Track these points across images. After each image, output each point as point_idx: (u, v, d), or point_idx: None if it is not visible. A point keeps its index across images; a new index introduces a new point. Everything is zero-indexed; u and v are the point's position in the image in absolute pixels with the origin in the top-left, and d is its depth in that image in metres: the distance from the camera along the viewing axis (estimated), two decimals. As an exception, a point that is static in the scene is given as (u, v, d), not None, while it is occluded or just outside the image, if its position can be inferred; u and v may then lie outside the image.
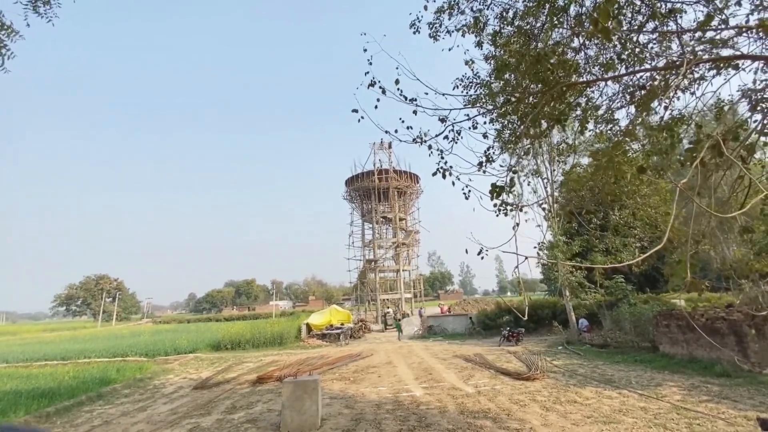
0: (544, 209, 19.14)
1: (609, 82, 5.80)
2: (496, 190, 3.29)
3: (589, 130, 6.79)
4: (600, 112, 5.85)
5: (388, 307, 38.23)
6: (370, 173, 43.73)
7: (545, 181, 19.61)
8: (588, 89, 5.79)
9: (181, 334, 30.38)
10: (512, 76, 5.54)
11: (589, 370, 11.79)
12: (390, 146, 43.95)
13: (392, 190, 43.04)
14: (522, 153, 6.10)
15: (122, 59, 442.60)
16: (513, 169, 3.80)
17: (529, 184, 19.84)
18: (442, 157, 3.76)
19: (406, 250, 44.94)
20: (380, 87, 3.91)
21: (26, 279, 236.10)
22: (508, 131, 5.78)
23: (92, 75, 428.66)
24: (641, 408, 7.72)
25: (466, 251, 3.26)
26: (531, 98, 4.94)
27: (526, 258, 3.21)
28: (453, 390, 10.04)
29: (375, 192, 42.81)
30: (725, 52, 4.28)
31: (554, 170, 19.08)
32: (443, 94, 3.76)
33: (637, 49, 5.21)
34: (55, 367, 17.39)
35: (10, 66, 4.21)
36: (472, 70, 5.47)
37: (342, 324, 26.89)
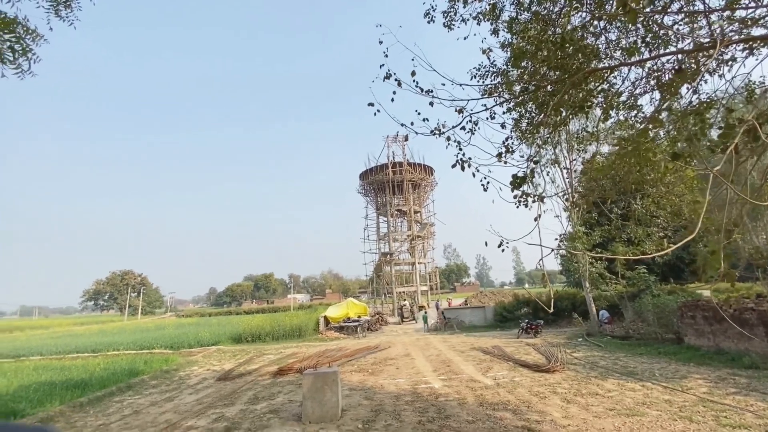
0: (565, 199, 18.76)
1: (633, 67, 5.61)
2: (517, 181, 3.22)
3: (612, 118, 6.58)
4: (622, 98, 5.65)
5: (405, 300, 38.35)
6: (383, 166, 43.70)
7: (564, 170, 19.20)
8: (610, 75, 5.60)
9: (204, 327, 31.25)
10: (530, 63, 5.40)
11: (610, 362, 11.60)
12: (406, 138, 43.69)
13: (406, 183, 42.92)
14: (541, 142, 5.96)
15: (140, 61, 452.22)
16: (533, 159, 3.72)
17: (548, 174, 19.43)
18: (460, 149, 3.71)
19: (421, 243, 44.89)
20: (396, 79, 3.87)
21: (57, 275, 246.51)
22: (526, 120, 5.66)
23: (118, 77, 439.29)
24: (666, 401, 7.56)
25: (486, 243, 3.21)
26: (549, 86, 4.81)
27: (552, 250, 3.16)
28: (472, 382, 10.04)
29: (389, 185, 42.79)
30: (757, 32, 4.06)
31: (573, 159, 18.63)
32: (460, 85, 3.70)
33: (662, 31, 5.00)
34: (86, 359, 18.17)
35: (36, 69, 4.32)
36: (489, 58, 5.36)
37: (359, 317, 27.15)
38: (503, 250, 3.21)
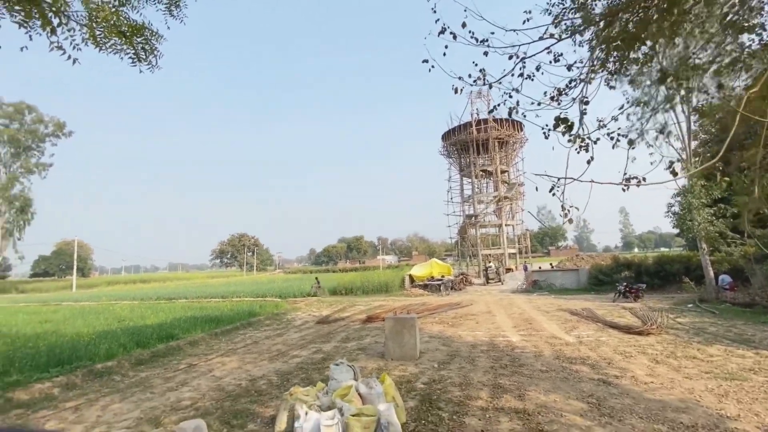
0: (681, 149, 16.19)
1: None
2: (559, 123, 3.14)
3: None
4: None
5: (490, 262, 37.80)
6: (467, 125, 41.97)
7: (682, 113, 16.37)
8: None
9: (306, 281, 35.39)
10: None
11: (722, 329, 10.32)
12: (489, 92, 41.13)
13: (492, 141, 40.79)
14: (629, 80, 5.38)
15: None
16: (585, 99, 3.52)
17: (661, 118, 16.67)
18: (511, 96, 3.69)
19: (509, 204, 42.99)
20: (451, 32, 3.96)
21: (193, 237, 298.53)
22: (613, 58, 5.17)
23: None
24: (782, 369, 6.68)
25: (537, 189, 3.28)
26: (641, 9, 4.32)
27: (626, 181, 3.09)
28: (552, 339, 9.96)
29: (473, 144, 41.16)
30: None
31: (691, 98, 15.70)
32: (514, 30, 3.64)
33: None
34: (217, 303, 22.34)
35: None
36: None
37: (442, 276, 27.83)
38: (553, 194, 3.25)
